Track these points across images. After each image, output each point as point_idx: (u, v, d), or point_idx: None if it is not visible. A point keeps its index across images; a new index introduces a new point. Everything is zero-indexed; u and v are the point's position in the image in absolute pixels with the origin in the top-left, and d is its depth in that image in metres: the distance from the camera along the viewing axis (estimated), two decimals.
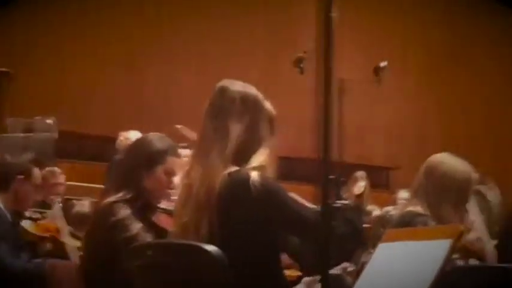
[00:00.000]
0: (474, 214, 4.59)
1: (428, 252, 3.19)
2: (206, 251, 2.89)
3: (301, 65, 9.14)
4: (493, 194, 5.84)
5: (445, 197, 4.09)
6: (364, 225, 7.19)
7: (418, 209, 4.10)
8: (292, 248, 3.74)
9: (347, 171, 9.14)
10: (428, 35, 10.12)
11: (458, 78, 10.34)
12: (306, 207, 3.23)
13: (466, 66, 10.38)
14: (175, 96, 10.08)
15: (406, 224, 3.91)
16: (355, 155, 9.77)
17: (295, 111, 7.78)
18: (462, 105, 10.40)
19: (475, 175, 4.25)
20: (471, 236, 4.19)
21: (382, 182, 10.60)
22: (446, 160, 4.24)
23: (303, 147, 8.56)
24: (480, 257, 4.18)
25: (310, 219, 3.07)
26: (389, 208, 5.67)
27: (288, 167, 8.05)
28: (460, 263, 4.05)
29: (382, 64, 8.15)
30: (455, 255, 4.14)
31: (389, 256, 3.32)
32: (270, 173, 3.15)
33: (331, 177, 2.74)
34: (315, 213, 3.02)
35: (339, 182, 3.20)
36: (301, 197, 3.46)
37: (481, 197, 6.29)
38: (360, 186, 9.36)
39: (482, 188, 6.38)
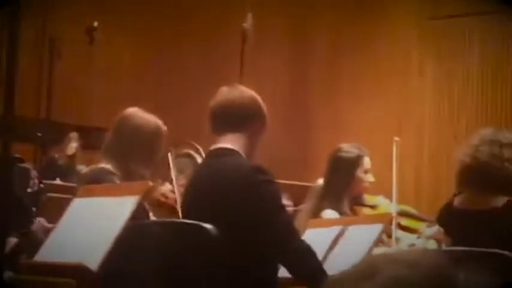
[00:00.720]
0: (173, 171, 4.75)
1: (116, 208, 3.29)
2: None
3: None
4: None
5: (133, 152, 4.16)
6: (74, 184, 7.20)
7: (108, 166, 4.17)
8: None
9: (61, 132, 9.06)
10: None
11: (174, 41, 10.50)
12: None
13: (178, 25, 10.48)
14: None
15: (96, 181, 3.96)
16: (70, 115, 9.69)
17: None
18: (172, 71, 10.52)
19: (164, 129, 4.31)
20: (165, 188, 4.31)
21: (97, 143, 10.58)
22: (135, 114, 4.29)
23: None
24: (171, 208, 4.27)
25: None
26: (95, 166, 5.71)
27: None
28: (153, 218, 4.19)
29: (95, 24, 8.14)
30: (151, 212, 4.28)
31: (82, 211, 3.39)
32: None
33: (38, 134, 2.74)
34: None
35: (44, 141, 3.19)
36: None
37: (191, 159, 6.53)
38: (72, 146, 9.33)
39: (192, 152, 6.63)
